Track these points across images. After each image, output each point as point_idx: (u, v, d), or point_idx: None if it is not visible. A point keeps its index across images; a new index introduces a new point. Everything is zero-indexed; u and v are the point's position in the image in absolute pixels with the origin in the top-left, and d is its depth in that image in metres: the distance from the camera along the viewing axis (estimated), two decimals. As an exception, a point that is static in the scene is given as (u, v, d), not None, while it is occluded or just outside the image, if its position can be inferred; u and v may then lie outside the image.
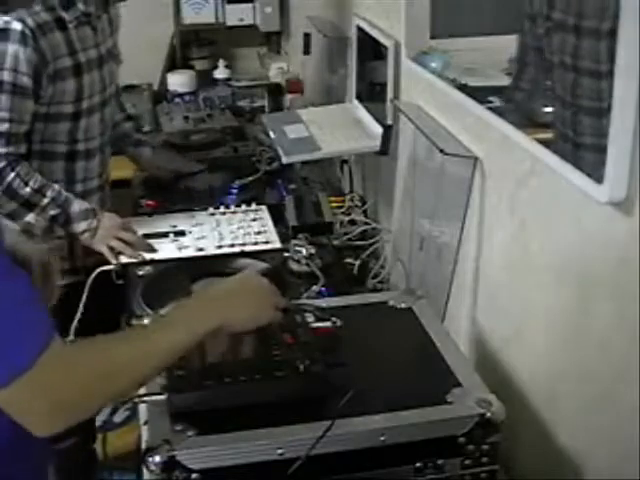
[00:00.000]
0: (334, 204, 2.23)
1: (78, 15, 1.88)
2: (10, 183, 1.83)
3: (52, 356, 0.92)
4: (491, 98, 1.61)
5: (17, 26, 1.77)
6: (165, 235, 1.97)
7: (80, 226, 1.89)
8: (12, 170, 1.83)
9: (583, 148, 1.22)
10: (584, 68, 1.20)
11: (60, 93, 1.87)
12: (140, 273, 1.81)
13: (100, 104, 1.99)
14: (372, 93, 2.20)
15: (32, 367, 0.90)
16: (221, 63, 3.62)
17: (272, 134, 2.22)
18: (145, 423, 1.14)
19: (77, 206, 1.89)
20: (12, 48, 1.77)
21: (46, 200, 1.85)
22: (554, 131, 1.33)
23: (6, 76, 1.78)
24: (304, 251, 1.87)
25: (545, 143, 1.28)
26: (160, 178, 2.34)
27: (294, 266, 1.85)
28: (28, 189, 1.84)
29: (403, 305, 1.41)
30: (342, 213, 2.21)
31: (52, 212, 1.86)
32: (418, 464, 1.13)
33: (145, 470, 1.06)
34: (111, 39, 2.05)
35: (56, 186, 1.88)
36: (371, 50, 2.14)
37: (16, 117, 1.82)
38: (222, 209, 2.10)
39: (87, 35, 1.92)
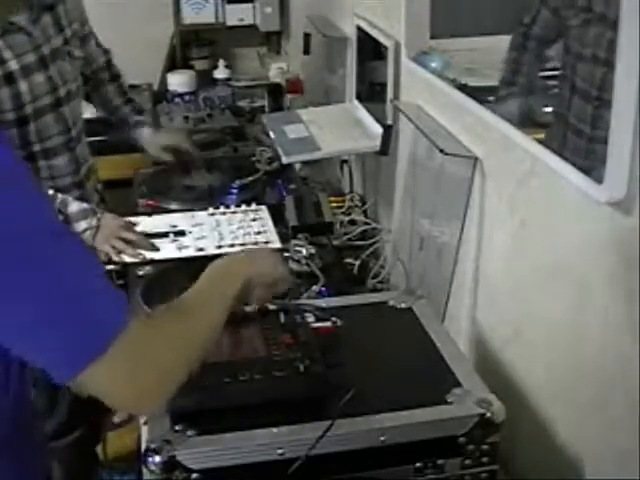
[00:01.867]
0: (334, 204, 2.22)
1: (2, 25, 1.84)
2: None
3: (138, 322, 0.92)
4: (491, 98, 1.61)
5: None
6: (165, 235, 1.97)
7: (80, 225, 1.89)
8: None
9: (597, 142, 1.21)
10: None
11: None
12: (140, 273, 1.81)
13: (52, 105, 1.97)
14: (372, 93, 2.20)
15: (126, 325, 0.89)
16: (221, 63, 3.62)
17: (272, 134, 2.22)
18: (145, 423, 1.14)
19: (75, 206, 1.89)
20: None
21: None
22: (561, 124, 1.32)
23: None
24: (304, 251, 1.87)
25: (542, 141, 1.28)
26: (172, 163, 2.33)
27: (294, 266, 1.85)
28: None
29: (403, 305, 1.41)
30: (342, 213, 2.20)
31: None
32: (418, 464, 1.13)
33: (145, 470, 1.06)
34: (60, 36, 2.00)
35: (50, 190, 1.88)
36: (371, 50, 2.14)
37: None
38: (222, 209, 2.10)
39: (19, 42, 1.89)
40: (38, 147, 1.96)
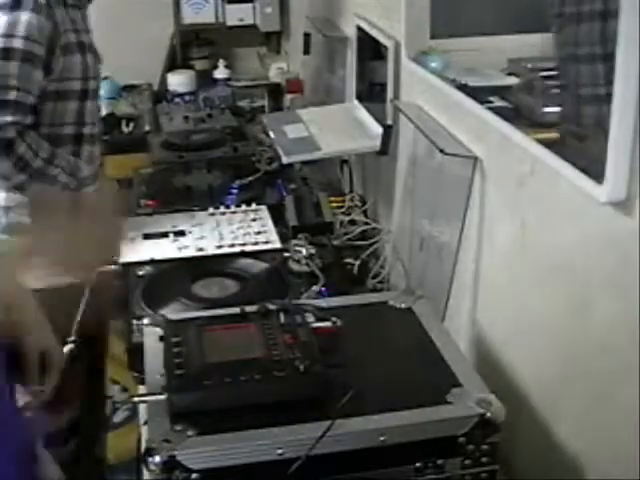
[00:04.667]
0: (334, 204, 2.23)
1: None
2: (22, 155, 1.80)
3: None
4: (491, 98, 1.61)
5: None
6: (165, 235, 1.97)
7: (89, 189, 1.90)
8: (23, 141, 1.81)
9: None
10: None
11: (68, 69, 1.89)
12: (140, 273, 1.80)
13: (96, 90, 2.01)
14: (372, 93, 2.20)
15: None
16: (221, 63, 3.63)
17: (272, 134, 2.23)
18: (145, 423, 1.14)
19: (86, 171, 1.89)
20: (25, 16, 1.77)
21: (57, 170, 1.84)
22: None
23: (18, 43, 1.77)
24: (304, 251, 1.87)
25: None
26: None
27: (294, 266, 1.85)
28: (39, 160, 1.82)
29: (403, 305, 1.41)
30: (342, 213, 2.21)
31: (63, 180, 1.85)
32: (418, 464, 1.13)
33: (145, 470, 1.06)
34: (91, 34, 2.05)
35: (65, 154, 1.88)
36: (371, 50, 2.14)
37: (25, 86, 1.81)
38: (222, 209, 2.10)
39: (78, 19, 1.94)
40: (88, 130, 1.98)
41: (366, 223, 2.16)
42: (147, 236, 1.96)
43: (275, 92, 3.10)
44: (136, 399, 1.16)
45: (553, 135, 1.36)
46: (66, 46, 1.85)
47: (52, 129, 1.92)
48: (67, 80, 1.88)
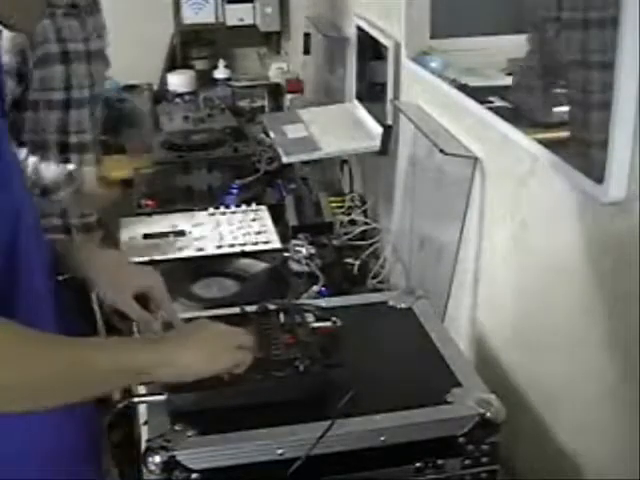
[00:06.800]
0: (334, 204, 2.23)
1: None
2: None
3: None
4: (491, 98, 1.61)
5: None
6: (165, 235, 1.97)
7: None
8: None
9: (595, 146, 1.21)
10: (593, 61, 1.20)
11: (47, 79, 1.88)
12: (140, 273, 1.80)
13: (82, 99, 2.00)
14: (372, 93, 2.20)
15: None
16: (221, 63, 3.63)
17: (272, 134, 2.23)
18: (145, 423, 1.14)
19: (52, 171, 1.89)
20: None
21: None
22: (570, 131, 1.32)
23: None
24: (304, 251, 1.87)
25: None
26: None
27: (294, 266, 1.85)
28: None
29: (403, 305, 1.41)
30: (342, 213, 2.21)
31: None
32: (418, 464, 1.13)
33: (145, 470, 1.06)
34: (100, 41, 2.05)
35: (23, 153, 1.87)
36: (371, 50, 2.14)
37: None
38: (222, 209, 2.10)
39: (74, 27, 1.93)
40: (75, 139, 1.97)
41: (366, 223, 2.16)
42: (147, 236, 1.96)
43: (275, 92, 3.11)
44: (136, 399, 1.16)
45: (553, 135, 1.36)
46: (44, 57, 1.85)
47: (35, 136, 1.92)
48: (48, 90, 1.89)
